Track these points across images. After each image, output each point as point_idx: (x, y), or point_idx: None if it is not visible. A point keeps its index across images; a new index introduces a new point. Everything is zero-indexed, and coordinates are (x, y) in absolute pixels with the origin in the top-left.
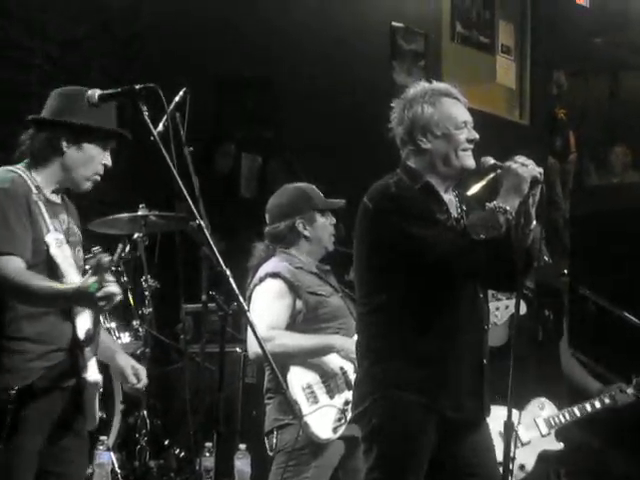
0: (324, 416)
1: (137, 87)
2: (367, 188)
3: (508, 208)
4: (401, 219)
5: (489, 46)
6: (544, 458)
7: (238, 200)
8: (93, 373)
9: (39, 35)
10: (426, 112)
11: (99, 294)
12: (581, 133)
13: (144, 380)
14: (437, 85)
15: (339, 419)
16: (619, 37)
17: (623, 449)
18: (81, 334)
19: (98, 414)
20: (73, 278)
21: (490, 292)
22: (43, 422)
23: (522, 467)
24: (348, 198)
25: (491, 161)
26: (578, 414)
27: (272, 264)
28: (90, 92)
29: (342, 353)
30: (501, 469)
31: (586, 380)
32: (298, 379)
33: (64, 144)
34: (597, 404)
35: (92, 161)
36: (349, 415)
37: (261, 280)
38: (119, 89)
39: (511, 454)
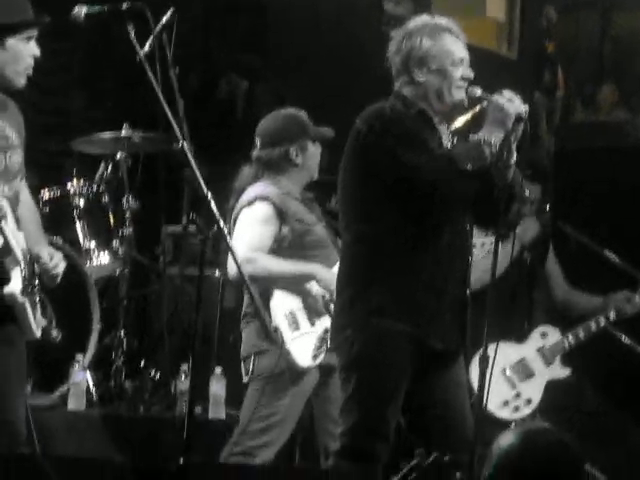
0: (304, 343)
1: (124, 6)
2: (353, 116)
3: (493, 140)
4: (394, 142)
5: None
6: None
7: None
8: (14, 284)
9: None
10: (424, 45)
11: None
12: (569, 69)
13: (56, 262)
14: (439, 19)
15: (319, 347)
16: None
17: (595, 384)
18: None
19: (36, 324)
20: None
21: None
22: None
23: (529, 401)
24: (333, 126)
25: (478, 92)
26: (583, 335)
27: (261, 187)
28: (76, 10)
29: (322, 283)
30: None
31: (590, 300)
32: (281, 304)
33: None
34: (602, 320)
35: (20, 56)
36: (328, 343)
37: (250, 203)
38: (105, 7)
39: (486, 388)
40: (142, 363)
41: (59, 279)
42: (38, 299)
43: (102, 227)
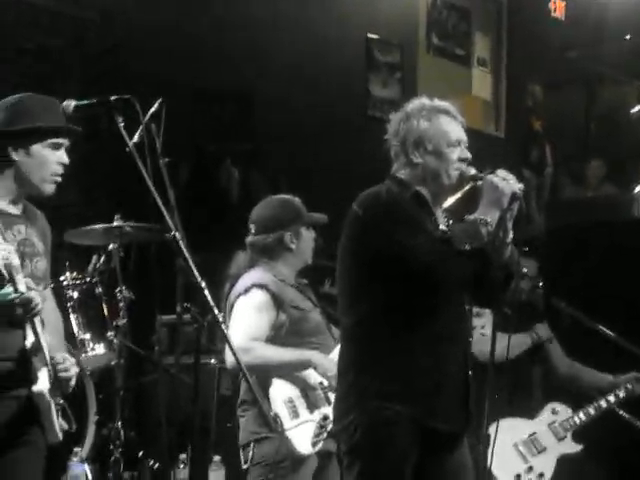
0: (304, 431)
1: (112, 98)
2: (344, 201)
3: (489, 220)
4: (391, 226)
5: (465, 58)
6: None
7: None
8: (41, 383)
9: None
10: (421, 126)
11: (15, 301)
12: (556, 146)
13: (71, 369)
14: (436, 102)
15: (318, 434)
16: (594, 50)
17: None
18: (28, 344)
19: (59, 427)
20: (20, 287)
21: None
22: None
23: (541, 475)
24: (324, 211)
25: (472, 171)
26: (593, 412)
27: (257, 275)
28: (65, 103)
29: (319, 369)
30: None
31: (595, 375)
32: (280, 393)
33: (12, 153)
34: (612, 399)
35: (45, 162)
36: (327, 430)
37: (247, 290)
38: (94, 100)
39: (488, 464)
40: (140, 453)
41: (72, 383)
42: (59, 404)
43: (96, 318)
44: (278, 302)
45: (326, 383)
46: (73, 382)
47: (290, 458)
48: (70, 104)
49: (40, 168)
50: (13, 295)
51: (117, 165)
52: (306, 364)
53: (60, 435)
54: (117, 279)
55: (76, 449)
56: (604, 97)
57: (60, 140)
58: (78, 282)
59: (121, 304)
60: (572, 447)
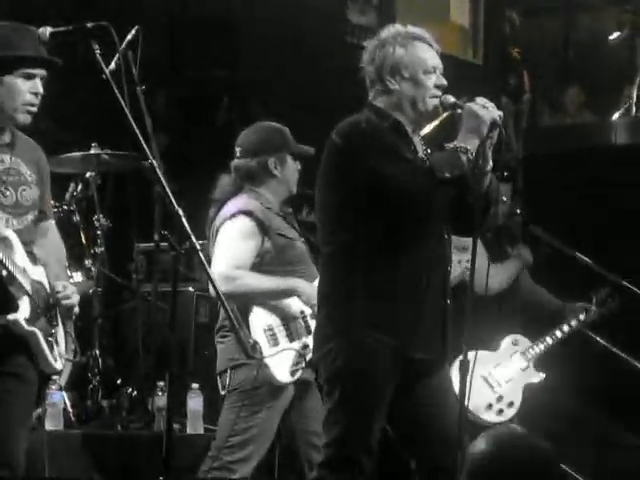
0: (283, 359)
1: (89, 25)
2: (323, 129)
3: (469, 147)
4: (371, 155)
5: None
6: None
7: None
8: (21, 312)
9: None
10: (397, 53)
11: None
12: (535, 73)
13: (69, 293)
14: (411, 29)
15: (297, 363)
16: None
17: (574, 389)
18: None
19: (53, 357)
20: None
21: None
22: None
23: (511, 404)
24: (301, 138)
25: (451, 99)
26: (550, 342)
27: (244, 201)
28: (41, 30)
29: (303, 297)
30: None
31: (548, 298)
32: (260, 320)
33: None
34: (565, 329)
35: (17, 91)
36: (306, 359)
37: (232, 216)
38: (71, 27)
39: (467, 392)
40: (118, 381)
41: (75, 310)
42: (60, 331)
43: (74, 246)
44: (264, 229)
45: (308, 312)
46: (76, 309)
47: (267, 385)
48: (46, 31)
49: (12, 97)
50: None
51: (94, 93)
52: (290, 292)
53: (56, 365)
54: (94, 207)
55: (54, 377)
56: (583, 24)
57: (34, 70)
58: (55, 210)
59: (99, 232)
60: (535, 376)
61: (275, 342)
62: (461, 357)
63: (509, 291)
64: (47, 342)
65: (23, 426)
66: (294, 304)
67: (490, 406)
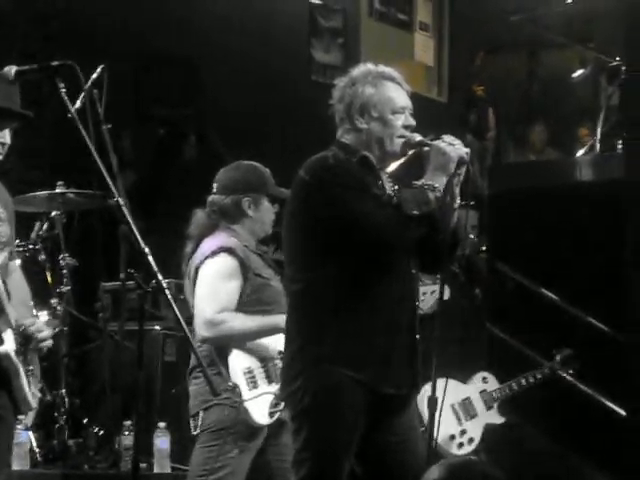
0: (261, 401)
1: (54, 64)
2: (289, 165)
3: (437, 185)
4: (338, 191)
5: (407, 23)
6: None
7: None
8: (7, 344)
9: None
10: (366, 92)
11: None
12: (499, 111)
13: (44, 329)
14: (382, 68)
15: (275, 404)
16: (537, 14)
17: (539, 425)
18: None
19: (32, 395)
20: None
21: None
22: None
23: (471, 440)
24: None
25: (417, 138)
26: (516, 388)
27: (223, 238)
28: (7, 68)
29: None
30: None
31: None
32: (239, 363)
33: None
34: (531, 379)
35: None
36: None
37: (213, 253)
38: (36, 65)
39: (435, 429)
40: (85, 420)
41: (49, 343)
42: (30, 371)
43: (39, 285)
44: (244, 268)
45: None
46: (49, 342)
47: (240, 425)
48: (11, 69)
49: None
50: None
51: (60, 131)
52: (275, 330)
53: (33, 403)
54: (60, 246)
55: (20, 417)
56: (547, 61)
57: (3, 123)
58: (21, 249)
59: (64, 271)
60: (497, 418)
61: (254, 385)
62: (429, 392)
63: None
64: (27, 379)
65: (2, 469)
66: (272, 345)
67: (453, 437)
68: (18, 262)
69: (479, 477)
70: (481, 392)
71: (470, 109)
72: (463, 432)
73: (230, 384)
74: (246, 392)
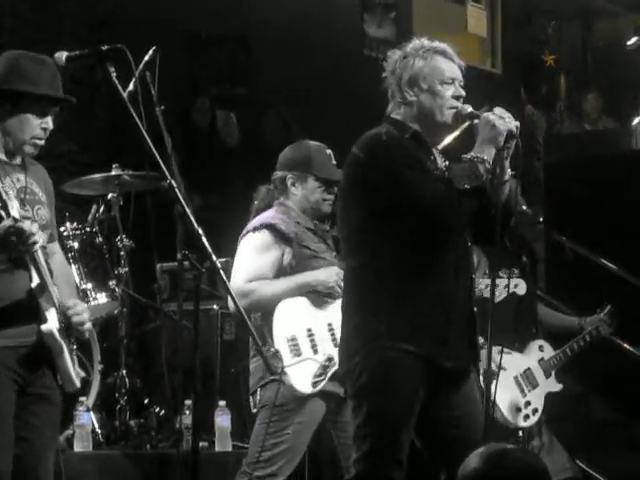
0: (305, 370)
1: (104, 48)
2: (339, 140)
3: (486, 157)
4: (393, 166)
5: None
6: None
7: (225, 153)
8: (51, 323)
9: None
10: (416, 65)
11: (16, 228)
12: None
13: (83, 313)
14: (435, 43)
15: (320, 374)
16: None
17: (602, 394)
18: (33, 284)
19: (75, 374)
20: (13, 213)
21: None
22: (7, 382)
23: (535, 411)
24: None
25: (469, 109)
26: (569, 353)
27: (269, 214)
28: (57, 54)
29: (320, 287)
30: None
31: (562, 319)
32: (283, 330)
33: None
34: (581, 342)
35: (28, 125)
36: (330, 371)
37: (255, 229)
38: (86, 51)
39: (491, 401)
40: (146, 401)
41: (87, 326)
42: (74, 350)
43: (98, 268)
44: (285, 240)
45: (336, 324)
46: (88, 325)
47: (293, 401)
48: (62, 55)
49: (23, 131)
50: (6, 220)
51: (114, 114)
52: (305, 288)
53: (77, 382)
54: (117, 228)
55: (82, 398)
56: (600, 30)
57: (48, 108)
58: (78, 232)
59: (122, 253)
60: (555, 386)
61: (297, 352)
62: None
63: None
64: (71, 358)
65: (51, 449)
66: (322, 316)
67: (519, 410)
68: (57, 244)
69: (516, 465)
70: (539, 361)
71: (538, 80)
72: (527, 403)
73: (272, 349)
74: (288, 359)
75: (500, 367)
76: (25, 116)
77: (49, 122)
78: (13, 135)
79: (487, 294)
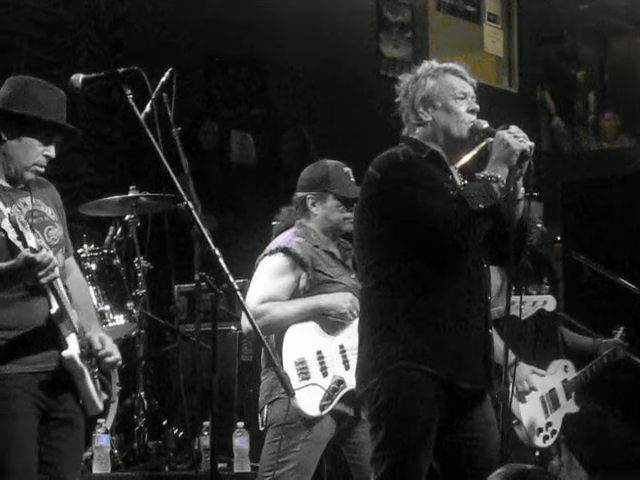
0: (313, 393)
1: (120, 70)
2: (357, 160)
3: (499, 176)
4: (410, 188)
5: (475, 15)
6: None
7: (243, 173)
8: (72, 348)
9: (25, 18)
10: (428, 85)
11: (34, 260)
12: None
13: (110, 349)
14: (445, 63)
15: (328, 397)
16: (607, 2)
17: (621, 414)
18: (52, 311)
19: (98, 398)
20: (30, 243)
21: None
22: (29, 408)
23: (554, 432)
24: None
25: (485, 124)
26: (589, 375)
27: (286, 237)
28: (74, 77)
29: (332, 312)
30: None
31: (579, 340)
32: (292, 353)
33: (2, 133)
34: (599, 364)
35: (32, 152)
36: (339, 394)
37: (271, 252)
38: (102, 73)
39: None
40: (164, 422)
41: (117, 363)
42: (96, 373)
43: (115, 289)
44: (301, 264)
45: (348, 346)
46: (117, 356)
47: (300, 419)
48: (78, 78)
49: (25, 156)
50: (24, 251)
51: (131, 135)
52: (317, 311)
53: (100, 405)
54: (134, 250)
55: (100, 420)
56: (617, 49)
57: (52, 136)
58: (96, 254)
59: (139, 274)
60: (574, 407)
61: (305, 376)
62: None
63: (547, 330)
64: (93, 382)
65: (76, 472)
66: (334, 339)
67: (540, 430)
68: (73, 259)
69: None
70: (563, 382)
71: (574, 95)
72: (549, 425)
73: (281, 373)
74: (296, 382)
75: (532, 387)
76: (30, 141)
77: (52, 150)
78: (16, 160)
79: (516, 312)
